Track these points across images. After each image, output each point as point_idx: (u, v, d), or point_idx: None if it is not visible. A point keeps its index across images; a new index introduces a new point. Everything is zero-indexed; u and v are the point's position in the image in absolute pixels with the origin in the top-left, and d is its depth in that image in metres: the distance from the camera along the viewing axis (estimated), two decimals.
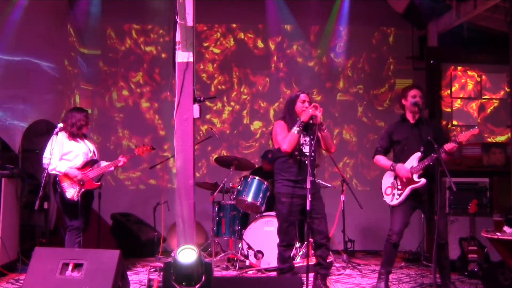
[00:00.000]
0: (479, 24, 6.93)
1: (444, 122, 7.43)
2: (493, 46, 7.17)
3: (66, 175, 4.90)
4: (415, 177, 4.45)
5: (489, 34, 7.10)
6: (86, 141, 5.20)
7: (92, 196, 5.24)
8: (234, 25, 7.93)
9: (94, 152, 5.21)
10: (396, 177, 4.60)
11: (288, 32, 7.85)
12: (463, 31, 6.89)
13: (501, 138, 7.49)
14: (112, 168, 5.27)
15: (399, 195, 4.53)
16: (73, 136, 5.05)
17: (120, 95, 7.80)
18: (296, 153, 4.40)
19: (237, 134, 7.82)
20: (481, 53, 7.47)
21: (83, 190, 4.92)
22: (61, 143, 4.96)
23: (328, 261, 5.65)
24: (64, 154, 4.97)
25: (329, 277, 5.47)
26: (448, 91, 7.60)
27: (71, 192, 4.87)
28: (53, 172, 4.88)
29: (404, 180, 4.51)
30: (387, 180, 4.70)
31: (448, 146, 4.29)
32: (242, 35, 7.92)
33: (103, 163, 5.24)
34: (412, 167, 4.48)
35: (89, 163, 5.09)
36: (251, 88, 7.86)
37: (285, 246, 4.48)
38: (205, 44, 7.85)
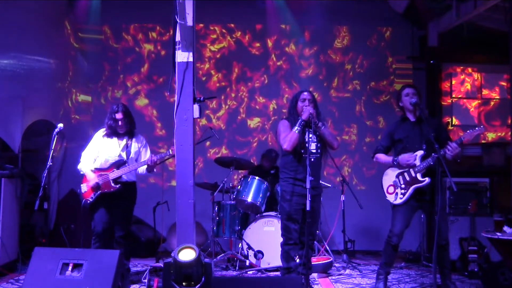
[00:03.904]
0: (479, 24, 6.92)
1: (444, 122, 7.42)
2: (493, 46, 7.15)
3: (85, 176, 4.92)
4: (419, 176, 4.43)
5: (489, 34, 7.09)
6: (126, 140, 4.96)
7: (124, 200, 4.97)
8: (232, 25, 7.92)
9: (138, 152, 4.99)
10: (398, 175, 4.56)
11: (286, 31, 7.83)
12: (463, 31, 6.88)
13: (491, 135, 7.50)
14: (145, 172, 5.00)
15: (403, 194, 4.48)
16: (107, 134, 4.98)
17: (119, 94, 7.78)
18: (302, 151, 4.41)
19: (235, 132, 7.81)
20: (481, 53, 7.47)
21: (98, 193, 4.82)
22: (96, 141, 4.98)
23: (328, 261, 5.70)
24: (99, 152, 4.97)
25: (329, 277, 5.47)
26: (448, 91, 7.60)
27: (87, 195, 4.86)
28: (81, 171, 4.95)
29: (408, 179, 4.48)
30: (388, 178, 4.66)
31: (450, 152, 4.23)
32: (239, 34, 7.90)
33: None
34: (415, 166, 4.45)
35: (115, 164, 4.89)
36: (248, 85, 7.86)
37: (290, 245, 4.45)
38: (202, 42, 7.83)
